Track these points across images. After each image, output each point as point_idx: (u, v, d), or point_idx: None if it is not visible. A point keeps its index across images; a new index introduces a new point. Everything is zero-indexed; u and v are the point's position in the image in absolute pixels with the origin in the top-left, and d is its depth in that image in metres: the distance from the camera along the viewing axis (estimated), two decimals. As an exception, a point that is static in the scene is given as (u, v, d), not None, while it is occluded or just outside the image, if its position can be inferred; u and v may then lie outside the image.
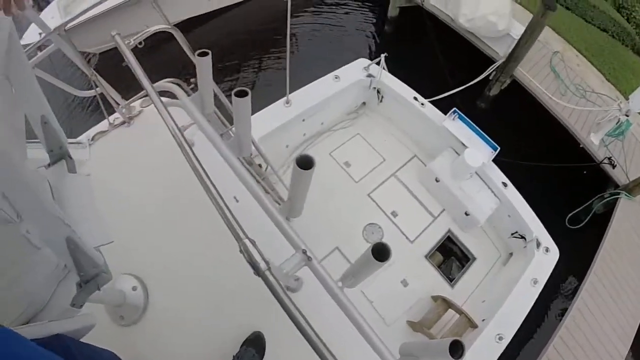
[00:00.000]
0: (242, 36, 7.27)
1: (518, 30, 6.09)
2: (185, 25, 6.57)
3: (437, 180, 4.09)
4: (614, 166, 6.07)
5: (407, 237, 3.99)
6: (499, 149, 4.06)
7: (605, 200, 5.99)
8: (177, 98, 1.65)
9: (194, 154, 1.09)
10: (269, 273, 0.91)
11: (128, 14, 5.51)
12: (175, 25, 1.95)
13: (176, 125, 1.17)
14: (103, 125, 2.27)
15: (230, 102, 1.44)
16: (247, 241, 0.93)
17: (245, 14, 7.57)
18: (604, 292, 4.95)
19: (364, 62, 4.36)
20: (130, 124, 2.27)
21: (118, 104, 2.22)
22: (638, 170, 6.09)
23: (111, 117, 2.27)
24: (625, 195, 5.90)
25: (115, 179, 1.93)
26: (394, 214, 4.07)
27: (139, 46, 1.68)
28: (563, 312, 4.79)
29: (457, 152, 4.16)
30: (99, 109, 2.24)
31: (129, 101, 2.28)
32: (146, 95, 2.27)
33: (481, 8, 6.20)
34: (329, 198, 3.94)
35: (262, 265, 0.91)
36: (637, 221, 5.86)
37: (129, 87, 2.25)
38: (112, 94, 2.18)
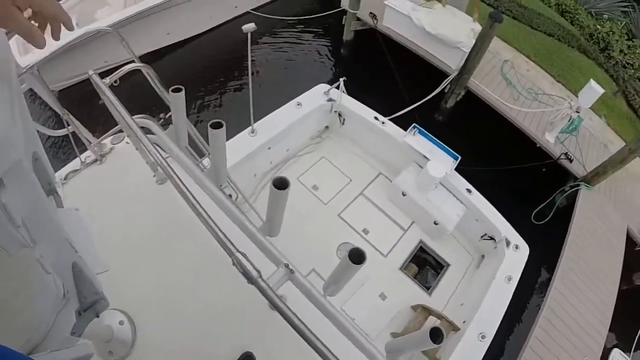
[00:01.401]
0: (202, 68, 7.33)
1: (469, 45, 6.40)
2: (146, 59, 6.59)
3: (403, 195, 4.24)
4: (571, 160, 6.42)
5: (380, 252, 4.11)
6: (459, 158, 4.26)
7: (567, 193, 6.31)
8: (152, 133, 1.73)
9: (181, 181, 1.15)
10: (261, 280, 1.01)
11: (89, 50, 5.57)
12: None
13: (162, 157, 1.22)
14: (75, 164, 2.26)
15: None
16: (239, 254, 1.03)
17: (204, 45, 7.67)
18: (576, 279, 5.18)
19: (324, 87, 4.51)
20: (102, 162, 2.27)
21: (90, 142, 2.22)
22: (594, 161, 6.45)
23: (82, 156, 2.27)
24: (585, 185, 6.24)
25: (91, 217, 1.92)
26: (365, 231, 4.19)
27: (115, 84, 1.70)
28: (541, 304, 4.96)
29: (420, 166, 4.32)
30: (64, 148, 2.23)
31: (100, 139, 2.29)
32: (119, 132, 2.32)
33: (445, 22, 6.60)
34: (301, 222, 4.02)
35: (255, 273, 1.01)
36: (598, 208, 6.21)
37: (91, 124, 2.30)
38: (84, 132, 2.19)
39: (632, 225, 6.35)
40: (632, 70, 9.85)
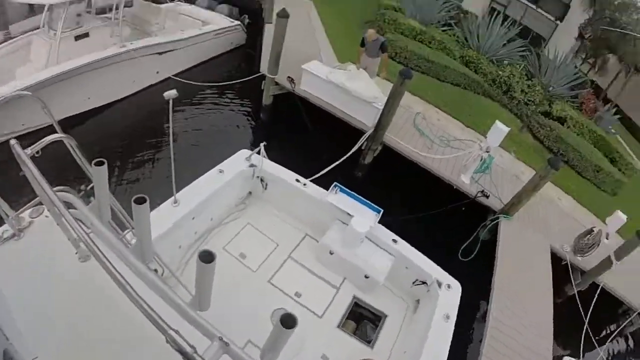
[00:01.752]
0: (124, 134, 7.20)
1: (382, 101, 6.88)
2: (65, 124, 6.32)
3: (331, 253, 4.30)
4: (487, 196, 6.97)
5: (315, 314, 4.06)
6: (382, 211, 4.45)
7: (488, 227, 6.77)
8: (73, 207, 1.65)
9: (106, 258, 1.12)
10: (197, 356, 1.01)
11: (7, 113, 5.34)
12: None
13: (86, 234, 1.20)
14: None
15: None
16: (172, 332, 1.03)
17: (127, 110, 7.60)
18: (510, 304, 5.43)
19: (245, 153, 4.59)
20: (20, 237, 2.09)
21: (7, 215, 2.05)
22: (509, 193, 7.02)
23: None
24: (504, 216, 6.75)
25: (9, 298, 1.76)
26: (298, 294, 4.14)
27: (37, 155, 1.65)
28: (482, 335, 5.08)
29: (344, 223, 4.43)
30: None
31: (18, 212, 2.12)
32: (38, 204, 2.17)
33: (360, 80, 7.13)
34: (232, 293, 3.88)
35: (189, 349, 1.01)
36: (519, 234, 6.71)
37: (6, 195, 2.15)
38: (1, 204, 2.02)
39: (554, 243, 6.89)
40: (534, 106, 10.95)
